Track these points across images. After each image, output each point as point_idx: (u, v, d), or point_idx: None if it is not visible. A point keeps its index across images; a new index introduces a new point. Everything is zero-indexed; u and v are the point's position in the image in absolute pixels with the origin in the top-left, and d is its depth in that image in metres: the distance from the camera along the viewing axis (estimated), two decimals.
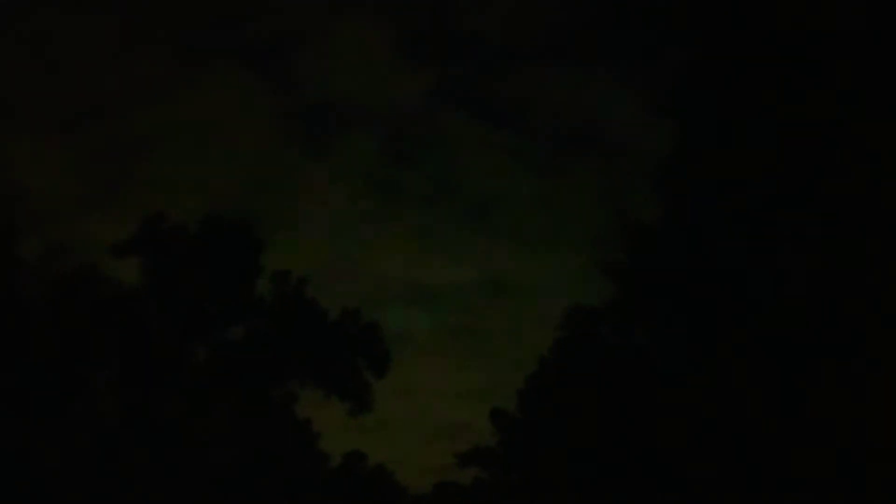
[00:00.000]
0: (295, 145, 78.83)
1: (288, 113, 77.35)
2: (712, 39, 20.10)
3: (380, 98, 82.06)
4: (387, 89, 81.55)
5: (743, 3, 19.62)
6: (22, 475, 31.87)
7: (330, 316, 38.11)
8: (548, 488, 42.74)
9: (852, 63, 17.51)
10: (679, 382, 23.28)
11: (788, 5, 18.88)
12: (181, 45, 73.07)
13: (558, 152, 77.99)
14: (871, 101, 17.19)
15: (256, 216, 70.90)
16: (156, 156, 70.34)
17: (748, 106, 19.09)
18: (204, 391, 35.74)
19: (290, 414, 42.29)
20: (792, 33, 18.54)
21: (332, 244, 75.78)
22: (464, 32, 76.86)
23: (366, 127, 79.21)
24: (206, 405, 35.98)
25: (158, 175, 69.72)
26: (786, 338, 17.49)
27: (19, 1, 66.28)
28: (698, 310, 19.35)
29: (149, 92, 76.16)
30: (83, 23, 70.41)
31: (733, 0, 19.78)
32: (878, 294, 16.56)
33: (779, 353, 17.91)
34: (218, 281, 35.45)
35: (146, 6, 72.45)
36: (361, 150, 79.38)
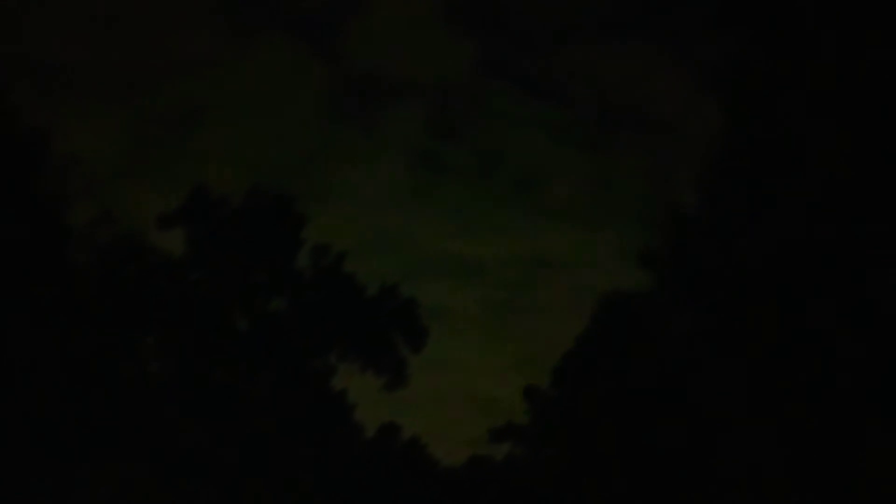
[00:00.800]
0: (341, 117, 78.97)
1: (335, 84, 77.29)
2: (766, 23, 19.90)
3: (426, 70, 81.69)
4: (433, 61, 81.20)
5: None
6: (71, 437, 32.90)
7: (369, 291, 38.75)
8: (579, 466, 43.05)
9: None
10: (713, 372, 23.38)
11: None
12: (233, 17, 73.59)
13: (604, 129, 76.78)
14: None
15: (301, 187, 72.14)
16: (205, 126, 70.95)
17: (796, 96, 18.94)
18: (246, 361, 36.56)
19: (326, 383, 43.02)
20: (853, 22, 18.28)
21: (375, 217, 75.63)
22: (511, 5, 76.11)
23: (412, 99, 78.93)
24: (248, 374, 36.81)
25: (207, 145, 70.49)
26: (823, 339, 17.51)
27: None
28: (733, 303, 19.42)
29: (201, 62, 76.64)
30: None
31: None
32: None
33: (814, 354, 17.94)
34: (260, 254, 36.12)
35: None
36: (406, 123, 79.12)
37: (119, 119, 71.29)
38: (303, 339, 37.03)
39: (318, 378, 40.55)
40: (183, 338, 35.46)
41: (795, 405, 19.76)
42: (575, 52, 79.33)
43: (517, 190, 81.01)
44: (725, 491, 23.88)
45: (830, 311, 17.37)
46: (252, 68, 76.56)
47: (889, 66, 17.81)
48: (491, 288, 77.64)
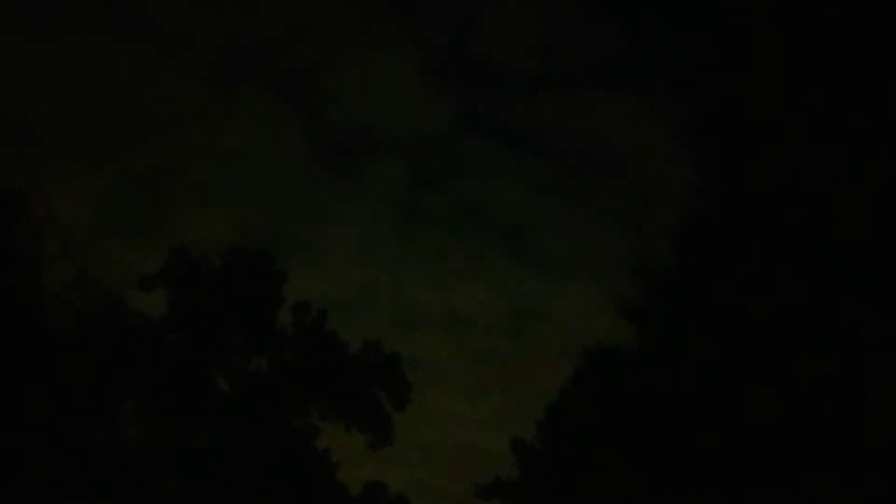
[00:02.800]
0: (321, 173, 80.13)
1: (315, 140, 78.58)
2: (738, 80, 20.07)
3: (406, 125, 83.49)
4: (413, 116, 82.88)
5: (774, 34, 19.50)
6: (45, 500, 32.23)
7: (353, 346, 38.50)
8: None
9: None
10: (699, 421, 23.24)
11: (820, 37, 18.74)
12: (212, 74, 74.71)
13: (582, 179, 78.04)
14: None
15: (282, 242, 72.44)
16: (184, 183, 71.33)
17: (770, 152, 19.09)
18: (226, 421, 36.07)
19: (310, 444, 42.47)
20: (826, 63, 18.45)
21: (357, 269, 76.34)
22: (488, 59, 77.98)
23: (393, 153, 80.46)
24: (229, 435, 36.29)
25: (186, 203, 70.73)
26: (805, 387, 17.49)
27: (50, 27, 67.76)
28: (714, 354, 19.38)
29: (179, 119, 77.26)
30: (114, 50, 71.88)
31: (766, 31, 19.66)
32: None
33: (798, 402, 17.91)
34: (240, 312, 35.88)
35: (177, 35, 73.95)
36: (386, 177, 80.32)
37: (98, 177, 71.37)
38: (284, 398, 36.63)
39: (301, 437, 40.06)
40: (161, 401, 35.03)
41: (785, 457, 19.64)
42: (552, 103, 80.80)
43: (498, 240, 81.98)
44: None
45: (813, 363, 17.37)
46: (232, 124, 77.17)
47: (862, 123, 18.01)
48: (475, 338, 77.81)
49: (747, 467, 21.34)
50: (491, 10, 77.17)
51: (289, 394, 36.74)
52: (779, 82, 19.29)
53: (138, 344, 34.70)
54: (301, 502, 40.09)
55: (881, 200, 17.04)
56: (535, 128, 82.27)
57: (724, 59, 20.76)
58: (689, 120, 20.82)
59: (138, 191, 68.50)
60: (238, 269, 35.89)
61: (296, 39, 78.02)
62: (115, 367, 35.05)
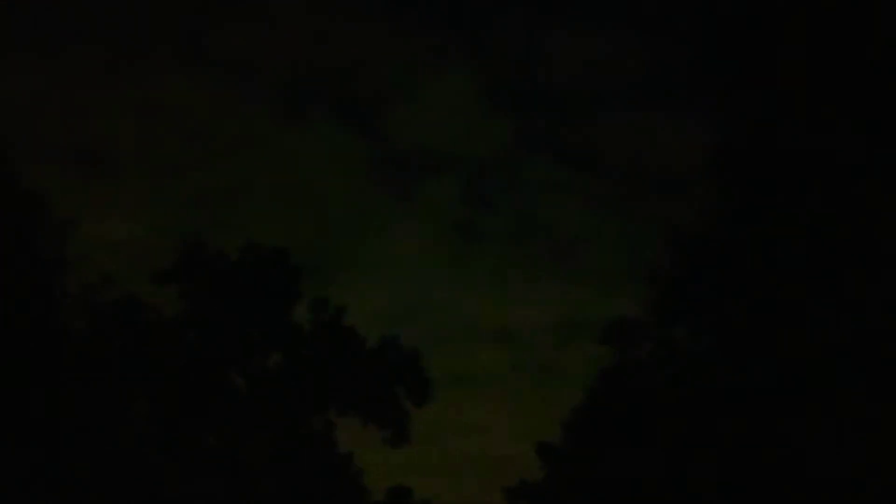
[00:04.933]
0: (382, 191, 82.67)
1: (376, 161, 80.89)
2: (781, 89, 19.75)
3: (464, 146, 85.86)
4: (471, 136, 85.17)
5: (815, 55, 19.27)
6: (61, 500, 31.92)
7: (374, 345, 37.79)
8: None
9: None
10: (727, 409, 22.49)
11: (858, 58, 18.46)
12: (278, 99, 77.82)
13: (638, 195, 78.60)
14: None
15: (341, 258, 74.29)
16: (244, 204, 73.39)
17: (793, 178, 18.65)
18: (243, 420, 35.53)
19: (331, 446, 41.82)
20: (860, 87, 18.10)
21: (413, 285, 77.88)
22: (546, 80, 79.78)
23: (450, 173, 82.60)
24: (246, 434, 35.75)
25: (244, 222, 72.79)
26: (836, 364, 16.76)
27: (127, 52, 70.36)
28: (741, 322, 18.72)
29: (244, 143, 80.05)
30: (187, 74, 74.60)
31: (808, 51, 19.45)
32: None
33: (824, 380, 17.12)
34: (256, 309, 35.39)
35: (247, 62, 77.20)
36: (442, 195, 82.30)
37: (160, 197, 73.47)
38: (301, 395, 36.02)
39: (321, 438, 39.38)
40: (177, 399, 34.56)
41: (816, 439, 18.86)
42: (609, 121, 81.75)
43: (551, 256, 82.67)
44: None
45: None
46: (295, 148, 79.45)
47: (888, 141, 17.54)
48: (522, 353, 78.23)
49: (784, 471, 20.61)
50: (547, 32, 78.97)
51: (306, 391, 36.12)
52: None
53: (153, 341, 34.29)
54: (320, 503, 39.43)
55: None
56: (591, 146, 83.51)
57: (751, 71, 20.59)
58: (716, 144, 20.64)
59: (197, 210, 70.29)
60: (254, 264, 35.41)
61: (359, 66, 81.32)
62: (130, 366, 34.70)
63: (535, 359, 78.39)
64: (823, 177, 17.72)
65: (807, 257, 17.34)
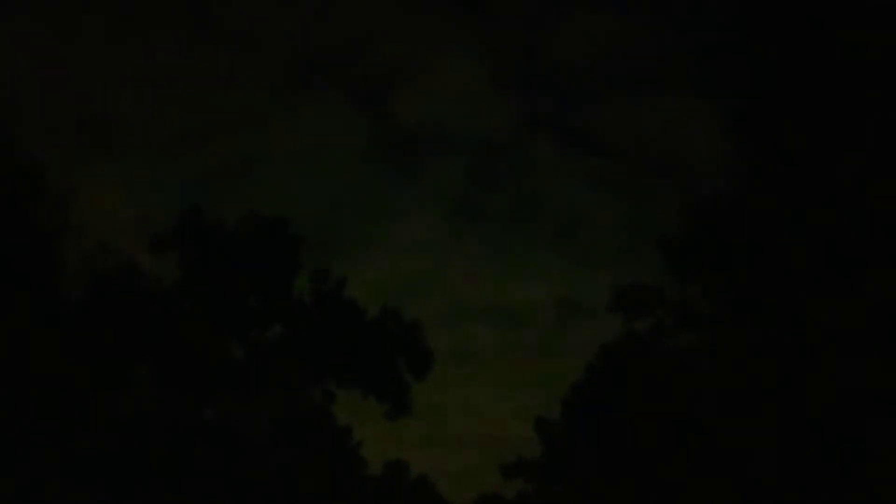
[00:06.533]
0: (385, 169, 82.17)
1: (380, 138, 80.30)
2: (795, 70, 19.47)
3: (470, 126, 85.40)
4: (477, 118, 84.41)
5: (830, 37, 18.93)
6: (61, 470, 31.84)
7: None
8: (590, 500, 41.57)
9: None
10: (730, 390, 22.33)
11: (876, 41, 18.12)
12: (282, 75, 77.16)
13: (642, 177, 78.26)
14: None
15: (345, 235, 73.95)
16: (246, 181, 72.95)
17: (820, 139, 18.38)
18: (242, 390, 35.33)
19: (330, 418, 41.68)
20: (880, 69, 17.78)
21: (413, 262, 77.77)
22: (554, 61, 79.14)
23: (455, 152, 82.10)
24: (245, 404, 35.57)
25: (247, 199, 72.43)
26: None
27: (131, 28, 69.81)
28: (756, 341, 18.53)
29: (247, 120, 79.38)
30: (190, 51, 73.84)
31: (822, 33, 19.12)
32: None
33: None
34: (256, 278, 35.08)
35: (250, 38, 76.14)
36: (449, 174, 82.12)
37: (162, 172, 73.11)
38: (301, 365, 35.78)
39: (320, 409, 39.20)
40: (176, 369, 34.32)
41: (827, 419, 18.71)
42: (615, 103, 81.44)
43: (554, 236, 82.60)
44: None
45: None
46: (299, 124, 78.79)
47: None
48: (526, 333, 78.32)
49: (780, 443, 20.40)
50: (557, 12, 78.41)
51: (305, 362, 35.89)
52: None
53: (152, 310, 33.99)
54: (321, 475, 39.31)
55: None
56: (596, 128, 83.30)
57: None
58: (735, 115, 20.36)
59: (200, 185, 70.14)
60: (253, 234, 35.04)
61: (365, 42, 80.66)
62: (129, 335, 34.45)
63: (532, 338, 78.51)
64: (841, 141, 17.45)
65: (828, 219, 17.12)
